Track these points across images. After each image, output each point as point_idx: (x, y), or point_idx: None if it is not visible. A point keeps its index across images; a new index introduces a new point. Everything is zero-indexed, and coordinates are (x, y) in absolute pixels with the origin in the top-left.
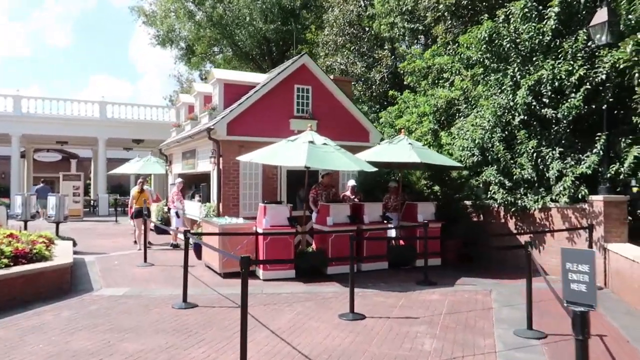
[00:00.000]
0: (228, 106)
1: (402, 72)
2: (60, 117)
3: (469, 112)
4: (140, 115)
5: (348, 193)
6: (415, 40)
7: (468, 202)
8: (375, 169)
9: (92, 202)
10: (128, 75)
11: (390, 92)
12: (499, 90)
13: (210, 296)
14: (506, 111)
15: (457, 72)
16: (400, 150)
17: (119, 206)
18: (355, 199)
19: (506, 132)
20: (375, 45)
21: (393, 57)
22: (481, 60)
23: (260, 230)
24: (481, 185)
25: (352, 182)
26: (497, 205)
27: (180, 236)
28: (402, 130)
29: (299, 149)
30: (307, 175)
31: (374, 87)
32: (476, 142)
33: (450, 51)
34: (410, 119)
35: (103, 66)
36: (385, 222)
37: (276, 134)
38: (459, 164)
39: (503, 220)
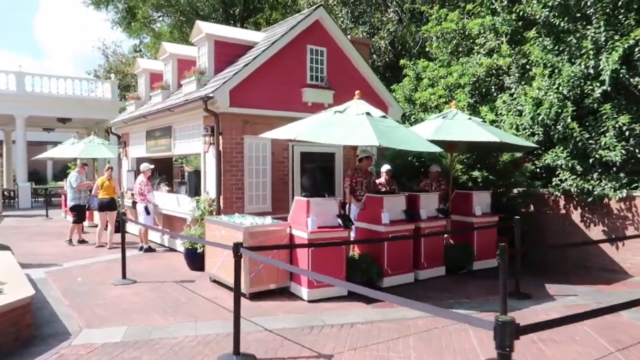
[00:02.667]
0: (220, 71)
1: (424, 37)
2: None
3: (517, 84)
4: (68, 89)
5: (382, 180)
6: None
7: (514, 191)
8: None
9: (7, 193)
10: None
11: (402, 61)
12: (571, 57)
13: (257, 335)
14: (582, 81)
15: (504, 34)
16: (464, 126)
17: (51, 196)
18: (391, 188)
19: (581, 107)
20: (375, 6)
21: (399, 20)
22: (547, 19)
23: (303, 235)
24: (539, 169)
25: (386, 167)
26: (557, 194)
27: (154, 237)
28: (453, 103)
29: (358, 123)
30: (343, 157)
31: (375, 56)
32: (540, 118)
33: (489, 11)
34: (436, 92)
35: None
36: (443, 217)
37: (286, 107)
38: (534, 145)
39: (564, 211)
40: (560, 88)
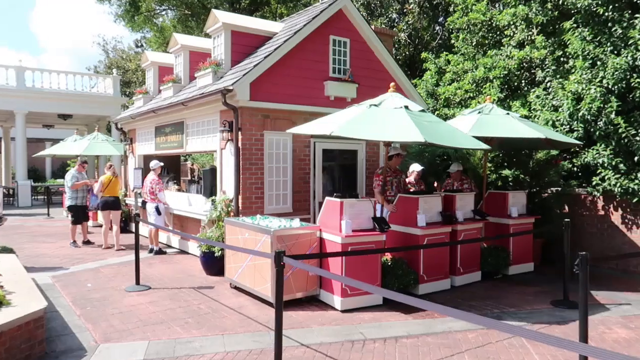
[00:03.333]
0: (237, 63)
1: (447, 29)
2: None
3: (552, 77)
4: (69, 84)
5: (412, 179)
6: None
7: (547, 191)
8: (487, 147)
9: (6, 191)
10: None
11: (423, 54)
12: (615, 47)
13: (294, 351)
14: (628, 74)
15: (538, 25)
16: (504, 122)
17: (53, 194)
18: (420, 189)
19: (626, 101)
20: None
21: (419, 11)
22: (589, 8)
23: (336, 239)
24: (576, 168)
25: (417, 167)
26: (596, 194)
27: (163, 239)
28: (488, 97)
29: (398, 118)
30: (365, 155)
31: (394, 49)
32: (580, 114)
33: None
34: (461, 86)
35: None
36: (480, 219)
37: (308, 101)
38: (578, 142)
39: (602, 213)
40: (604, 81)
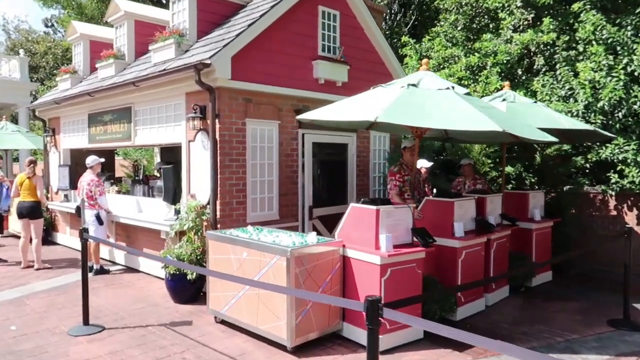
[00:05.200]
0: (204, 34)
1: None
2: None
3: (562, 64)
4: None
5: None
6: None
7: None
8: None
9: None
10: None
11: (404, 38)
12: (638, 31)
13: None
14: None
15: (543, 5)
16: (539, 112)
17: None
18: (429, 189)
19: None
20: None
21: None
22: None
23: (371, 259)
24: (589, 165)
25: (425, 163)
26: (611, 193)
27: (104, 253)
28: (507, 84)
29: (452, 102)
30: (356, 149)
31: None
32: (600, 104)
33: None
34: (453, 73)
35: None
36: (510, 224)
37: (294, 83)
38: (612, 135)
39: (615, 213)
40: (629, 68)
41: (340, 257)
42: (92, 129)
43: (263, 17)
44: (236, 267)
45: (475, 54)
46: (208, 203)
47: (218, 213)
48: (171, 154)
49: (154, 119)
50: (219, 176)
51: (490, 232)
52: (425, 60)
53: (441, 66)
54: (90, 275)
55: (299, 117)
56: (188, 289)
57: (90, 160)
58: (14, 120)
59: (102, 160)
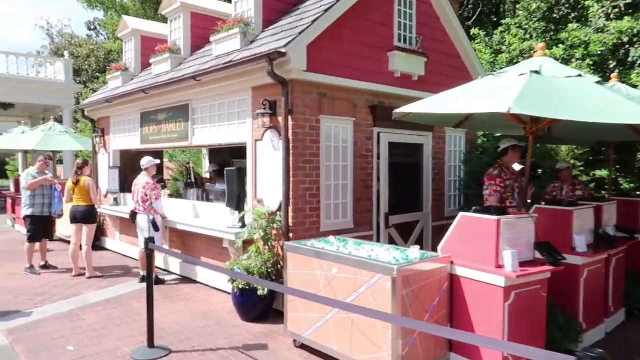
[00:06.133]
0: (269, 23)
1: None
2: None
3: None
4: (10, 68)
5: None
6: None
7: None
8: None
9: None
10: None
11: (473, 31)
12: None
13: None
14: None
15: None
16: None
17: None
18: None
19: None
20: None
21: None
22: None
23: (490, 279)
24: None
25: (516, 166)
26: None
27: (159, 262)
28: (614, 76)
29: (591, 92)
30: (431, 150)
31: None
32: None
33: None
34: None
35: None
36: (629, 237)
37: (370, 77)
38: None
39: None
40: None
41: (448, 275)
42: (144, 129)
43: (331, 10)
44: (323, 286)
45: (560, 45)
46: (278, 209)
47: (290, 221)
48: (221, 156)
49: (214, 117)
50: (291, 179)
51: (613, 247)
52: (541, 45)
53: (515, 61)
54: (144, 285)
55: (399, 110)
56: (258, 305)
57: (146, 161)
58: (58, 122)
59: (158, 161)
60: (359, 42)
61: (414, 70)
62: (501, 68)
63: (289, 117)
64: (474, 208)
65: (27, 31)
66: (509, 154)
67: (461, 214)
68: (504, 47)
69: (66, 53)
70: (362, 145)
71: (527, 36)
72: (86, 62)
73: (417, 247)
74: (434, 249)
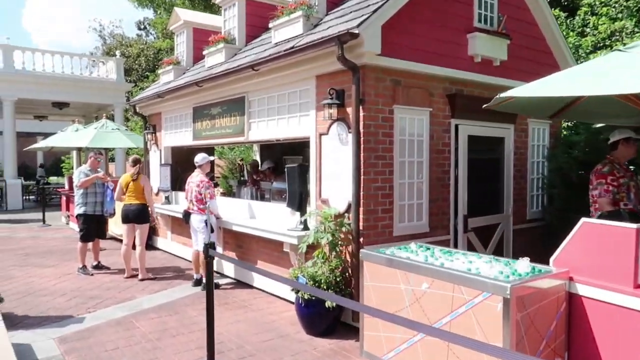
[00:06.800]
0: (334, 6)
1: None
2: None
3: None
4: (65, 68)
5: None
6: None
7: None
8: None
9: None
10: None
11: (554, 12)
12: None
13: None
14: None
15: None
16: None
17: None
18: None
19: None
20: None
21: None
22: None
23: (627, 302)
24: None
25: None
26: None
27: (227, 266)
28: None
29: None
30: (512, 144)
31: None
32: None
33: None
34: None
35: None
36: None
37: (448, 62)
38: None
39: None
40: None
41: (566, 294)
42: (197, 124)
43: None
44: (410, 302)
45: None
46: (346, 211)
47: (361, 224)
48: (272, 152)
49: (272, 109)
50: (362, 177)
51: None
52: None
53: (600, 44)
54: (198, 289)
55: (506, 94)
56: (325, 318)
57: (200, 158)
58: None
59: (213, 158)
60: (435, 22)
61: (496, 54)
62: (587, 53)
63: (360, 108)
64: (598, 214)
65: (82, 34)
66: (619, 148)
67: (583, 220)
68: (587, 30)
69: (117, 52)
70: (439, 138)
71: (619, 15)
72: (136, 62)
73: (527, 259)
74: (515, 256)
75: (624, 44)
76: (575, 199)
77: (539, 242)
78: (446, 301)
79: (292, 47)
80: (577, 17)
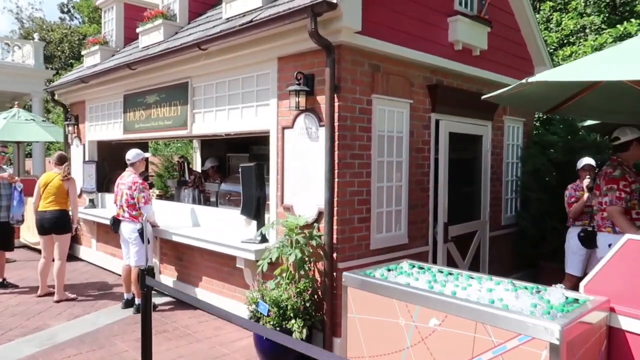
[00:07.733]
0: None
1: None
2: None
3: None
4: None
5: (586, 183)
6: None
7: None
8: None
9: None
10: None
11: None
12: None
13: None
14: None
15: None
16: None
17: None
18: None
19: None
20: None
21: None
22: None
23: None
24: None
25: (588, 160)
26: None
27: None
28: None
29: None
30: (490, 143)
31: None
32: None
33: None
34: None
35: None
36: None
37: (428, 48)
38: None
39: None
40: None
41: (606, 329)
42: (129, 115)
43: None
44: (412, 342)
45: (632, 20)
46: (316, 220)
47: (335, 236)
48: (213, 150)
49: (222, 98)
50: (336, 180)
51: None
52: None
53: (564, 41)
54: (129, 312)
55: (541, 77)
56: (292, 352)
57: (132, 155)
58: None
59: (148, 155)
60: (411, 5)
61: (477, 42)
62: (553, 49)
63: (335, 96)
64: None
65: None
66: (631, 149)
67: (627, 236)
68: (550, 26)
69: (36, 35)
70: (419, 135)
71: (587, 10)
72: (59, 48)
73: (560, 286)
74: (491, 267)
75: (593, 40)
76: (551, 203)
77: (512, 250)
78: (465, 343)
79: (251, 21)
80: (541, 12)
